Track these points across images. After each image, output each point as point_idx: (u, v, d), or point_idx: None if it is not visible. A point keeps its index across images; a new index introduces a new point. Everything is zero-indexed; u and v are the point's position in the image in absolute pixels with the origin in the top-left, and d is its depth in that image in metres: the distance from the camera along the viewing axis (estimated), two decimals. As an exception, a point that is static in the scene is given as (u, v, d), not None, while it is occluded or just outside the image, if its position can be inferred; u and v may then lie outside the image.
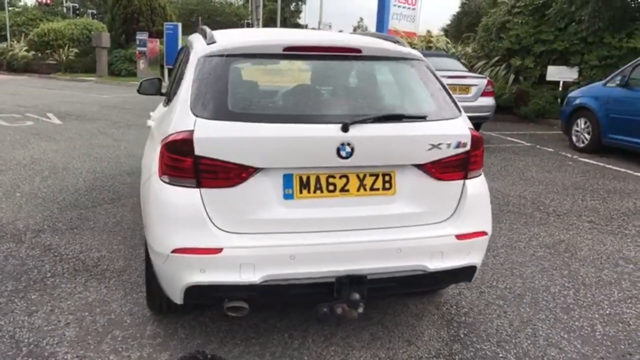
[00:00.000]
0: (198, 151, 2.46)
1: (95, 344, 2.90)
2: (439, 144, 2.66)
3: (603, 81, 8.85)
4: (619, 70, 8.59)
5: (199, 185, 2.49)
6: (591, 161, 8.30)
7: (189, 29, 22.89)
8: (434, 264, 2.68)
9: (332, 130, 2.52)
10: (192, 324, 3.14)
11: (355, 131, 2.52)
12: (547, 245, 4.61)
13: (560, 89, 12.83)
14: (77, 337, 2.96)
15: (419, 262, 2.65)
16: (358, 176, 2.62)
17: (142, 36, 22.23)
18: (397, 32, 20.32)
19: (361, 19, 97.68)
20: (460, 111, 2.85)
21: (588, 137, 8.88)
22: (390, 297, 3.42)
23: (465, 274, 2.84)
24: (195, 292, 2.52)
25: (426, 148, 2.65)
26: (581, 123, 9.02)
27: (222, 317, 3.19)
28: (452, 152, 2.70)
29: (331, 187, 2.60)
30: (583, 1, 11.64)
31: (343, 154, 2.52)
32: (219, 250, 2.46)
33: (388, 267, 2.61)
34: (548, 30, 13.04)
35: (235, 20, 54.14)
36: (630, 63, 8.35)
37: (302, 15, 66.68)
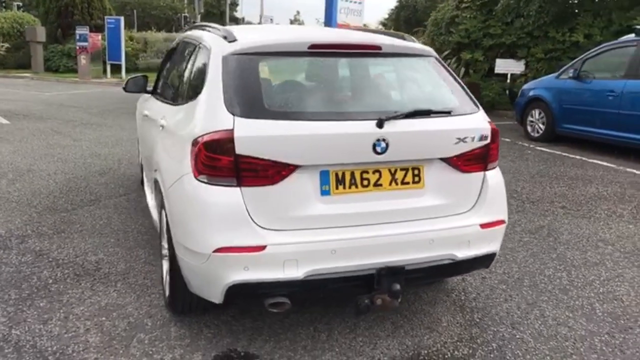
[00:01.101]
0: (239, 150, 2.46)
1: (123, 349, 2.84)
2: (465, 138, 2.78)
3: (556, 74, 9.31)
4: (571, 63, 9.07)
5: (239, 184, 2.50)
6: (548, 150, 8.73)
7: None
8: (462, 253, 2.80)
9: (368, 127, 2.58)
10: (216, 322, 3.13)
11: (389, 127, 2.59)
12: (531, 231, 4.85)
13: (508, 81, 13.37)
14: (102, 342, 2.89)
15: (449, 252, 2.76)
16: (390, 171, 2.70)
17: (82, 30, 21.32)
18: (341, 25, 20.50)
19: (298, 13, 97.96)
20: (477, 105, 2.97)
21: (542, 127, 9.33)
22: (419, 286, 3.52)
23: (486, 261, 2.98)
24: (238, 291, 2.53)
25: (453, 142, 2.76)
26: (536, 114, 9.46)
27: (244, 314, 3.21)
28: (476, 145, 2.83)
29: (365, 182, 2.66)
30: (529, -3, 12.16)
31: (378, 149, 2.59)
32: (263, 247, 2.48)
33: (422, 258, 2.71)
34: (496, 25, 13.55)
35: (170, 14, 52.86)
36: (581, 56, 8.84)
37: (238, 8, 65.98)
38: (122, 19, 22.31)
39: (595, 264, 4.17)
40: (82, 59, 21.42)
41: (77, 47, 21.55)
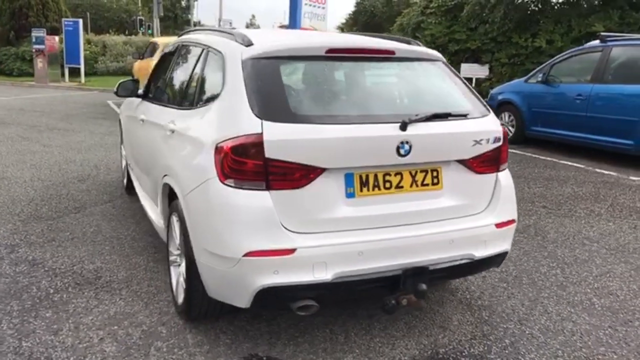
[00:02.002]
0: (268, 154, 2.46)
1: (142, 357, 2.79)
2: (481, 140, 2.86)
3: (524, 78, 9.62)
4: (539, 67, 9.39)
5: (268, 187, 2.50)
6: (519, 152, 9.00)
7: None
8: (480, 252, 2.87)
9: (392, 130, 2.62)
10: (231, 328, 3.10)
11: (412, 129, 2.64)
12: (519, 230, 5.00)
13: (473, 85, 13.72)
14: (120, 352, 2.83)
15: (468, 251, 2.83)
16: (410, 173, 2.75)
17: (38, 33, 20.68)
18: (306, 28, 20.58)
19: (253, 17, 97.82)
20: (488, 109, 3.06)
21: (512, 129, 9.61)
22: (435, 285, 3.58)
23: (499, 259, 3.06)
24: (267, 295, 2.52)
25: (470, 144, 2.84)
26: (505, 117, 9.74)
27: (258, 319, 3.20)
28: (490, 147, 2.91)
29: (387, 184, 2.70)
30: (494, 5, 12.52)
31: (402, 152, 2.63)
32: (292, 251, 2.49)
33: (443, 258, 2.76)
34: (461, 30, 13.91)
35: (125, 16, 51.83)
36: (549, 61, 9.16)
37: (193, 12, 65.27)
38: (80, 21, 21.79)
39: (585, 261, 4.33)
40: (39, 62, 20.79)
41: (34, 50, 20.90)
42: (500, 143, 2.97)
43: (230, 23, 48.84)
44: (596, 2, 12.10)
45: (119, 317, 3.18)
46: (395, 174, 2.71)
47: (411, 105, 2.92)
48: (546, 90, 8.92)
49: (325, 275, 2.52)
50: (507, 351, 2.99)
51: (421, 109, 2.81)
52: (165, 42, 12.48)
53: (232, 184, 2.53)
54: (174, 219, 3.20)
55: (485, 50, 13.37)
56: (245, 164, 2.49)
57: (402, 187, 2.73)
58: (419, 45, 3.30)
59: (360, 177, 2.64)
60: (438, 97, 3.04)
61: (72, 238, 4.44)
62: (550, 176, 7.31)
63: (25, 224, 4.76)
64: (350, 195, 2.63)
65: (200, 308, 2.98)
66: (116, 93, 4.57)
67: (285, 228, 2.51)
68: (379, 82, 3.02)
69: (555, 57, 9.16)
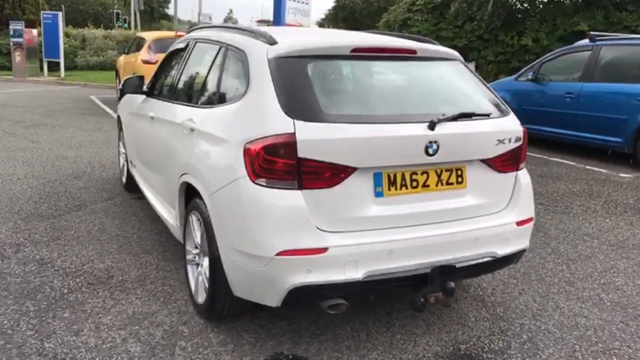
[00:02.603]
0: (301, 153, 2.46)
1: (168, 357, 2.77)
2: (504, 139, 2.90)
3: (514, 76, 9.74)
4: (529, 66, 9.52)
5: (300, 186, 2.50)
6: (509, 149, 9.11)
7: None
8: (502, 250, 2.92)
9: (421, 129, 2.65)
10: (253, 327, 3.10)
11: (439, 129, 2.67)
12: (521, 227, 5.07)
13: (460, 82, 13.85)
14: (145, 352, 2.81)
15: (491, 249, 2.87)
16: (436, 172, 2.77)
17: (16, 25, 20.24)
18: (292, 25, 20.53)
19: (231, 11, 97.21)
20: (507, 108, 3.11)
21: (502, 127, 9.71)
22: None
23: (518, 256, 3.11)
24: (298, 293, 2.53)
25: (494, 143, 2.88)
26: (495, 114, 9.85)
27: (278, 317, 3.20)
28: (512, 146, 2.96)
29: (414, 183, 2.73)
30: (481, 2, 12.65)
31: (430, 151, 2.66)
32: (325, 250, 2.50)
33: (469, 256, 2.80)
34: (447, 28, 14.03)
35: (100, 9, 51.05)
36: (539, 60, 9.30)
37: (170, 5, 64.59)
38: (60, 14, 21.38)
39: (589, 257, 4.42)
40: (17, 56, 20.37)
41: (12, 43, 20.45)
42: (521, 142, 3.01)
43: (210, 17, 48.43)
44: (580, 1, 12.29)
45: (138, 317, 3.15)
46: (422, 173, 2.74)
47: (435, 105, 2.95)
48: (536, 88, 9.05)
49: (356, 274, 2.54)
50: (526, 346, 3.04)
51: (446, 109, 2.84)
52: (155, 36, 12.35)
53: (264, 183, 2.53)
54: (193, 217, 3.18)
55: (471, 47, 13.52)
56: (277, 164, 2.49)
57: (428, 186, 2.76)
58: (435, 44, 3.33)
59: (389, 176, 2.66)
60: (460, 96, 3.07)
61: (77, 237, 4.38)
62: (543, 173, 7.43)
63: (26, 222, 4.68)
64: (378, 194, 2.65)
65: (224, 307, 2.98)
66: (122, 90, 4.51)
67: (317, 227, 2.52)
68: (402, 81, 3.03)
69: (545, 56, 9.29)
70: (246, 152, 2.58)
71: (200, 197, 3.02)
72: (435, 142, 2.65)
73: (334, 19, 50.97)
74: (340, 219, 2.57)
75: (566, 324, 3.32)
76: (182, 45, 4.13)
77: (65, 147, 7.99)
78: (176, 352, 2.82)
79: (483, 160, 2.90)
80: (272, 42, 2.86)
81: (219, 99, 3.12)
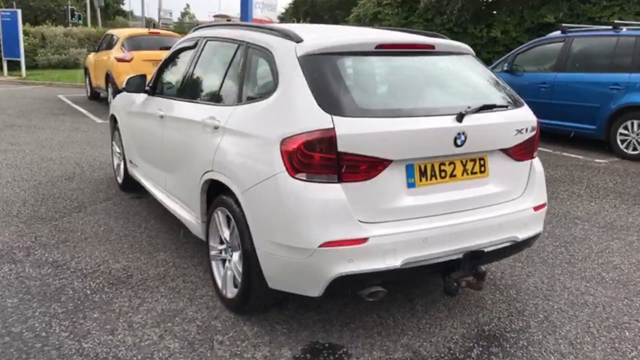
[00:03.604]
0: (340, 147, 2.55)
1: (209, 351, 2.83)
2: (522, 129, 3.06)
3: (489, 67, 9.99)
4: (504, 57, 9.80)
5: (340, 180, 2.59)
6: (488, 138, 9.38)
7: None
8: (522, 234, 3.08)
9: (450, 121, 2.77)
10: (283, 318, 3.18)
11: (467, 121, 2.80)
12: (515, 213, 5.29)
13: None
14: (184, 347, 2.86)
15: (513, 234, 3.03)
16: (462, 162, 2.90)
17: (-27, 24, 19.51)
18: (262, 20, 20.48)
19: (188, 6, 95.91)
20: (520, 99, 3.26)
21: (478, 117, 9.98)
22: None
23: (534, 240, 3.28)
24: (341, 283, 2.62)
25: (513, 133, 3.03)
26: (471, 105, 10.11)
27: (305, 308, 3.28)
28: (528, 135, 3.11)
29: (443, 174, 2.85)
30: (451, -4, 12.93)
31: (459, 142, 2.79)
32: (365, 240, 2.59)
33: (494, 241, 2.95)
34: (418, 22, 14.24)
35: (52, 6, 49.59)
36: (513, 51, 9.59)
37: (126, 1, 63.30)
38: (19, 11, 20.66)
39: (583, 239, 4.66)
40: (-25, 56, 19.62)
41: (-31, 43, 19.69)
42: (535, 132, 3.17)
43: (171, 13, 47.68)
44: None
45: (168, 314, 3.19)
46: (449, 164, 2.86)
47: (458, 98, 3.07)
48: (511, 79, 9.29)
49: (394, 261, 2.64)
50: (544, 325, 3.22)
51: (468, 101, 2.97)
52: (127, 34, 12.15)
53: (304, 178, 2.60)
54: (219, 214, 3.23)
55: (442, 40, 13.77)
56: (317, 158, 2.57)
57: (455, 175, 2.89)
58: (445, 39, 3.46)
59: (420, 167, 2.78)
60: (478, 88, 3.20)
61: (85, 238, 4.36)
62: (524, 161, 7.68)
63: (28, 225, 4.62)
64: (411, 185, 2.76)
65: (258, 300, 3.04)
66: (125, 89, 4.49)
67: (357, 218, 2.61)
68: (424, 75, 3.14)
69: (518, 48, 9.58)
70: (283, 148, 2.65)
71: (229, 194, 3.07)
72: (463, 133, 2.78)
73: (294, 13, 50.95)
74: (377, 210, 2.67)
75: (576, 302, 3.51)
76: (190, 44, 4.14)
77: (47, 148, 7.83)
78: (215, 347, 2.88)
79: (503, 150, 3.04)
80: (298, 39, 2.92)
81: (244, 96, 3.16)
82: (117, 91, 11.16)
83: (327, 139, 2.55)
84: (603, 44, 8.28)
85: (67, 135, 8.91)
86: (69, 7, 45.75)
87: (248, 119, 3.00)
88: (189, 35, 4.30)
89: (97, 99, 13.69)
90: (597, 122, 8.11)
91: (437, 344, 2.98)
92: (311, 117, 2.61)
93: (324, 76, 2.74)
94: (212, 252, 3.41)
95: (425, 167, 2.79)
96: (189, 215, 3.72)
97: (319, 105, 2.62)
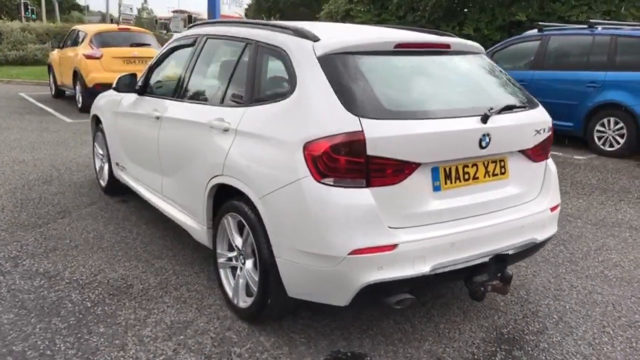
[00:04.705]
0: (370, 151, 2.46)
1: (229, 365, 2.70)
2: (540, 130, 3.03)
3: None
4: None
5: (368, 184, 2.50)
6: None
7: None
8: (541, 236, 3.06)
9: (475, 123, 2.71)
10: (299, 327, 3.07)
11: (491, 122, 2.75)
12: (508, 212, 5.30)
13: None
14: (202, 362, 2.72)
15: (533, 236, 3.00)
16: (484, 164, 2.85)
17: None
18: (231, 16, 20.18)
19: (145, 1, 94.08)
20: (535, 99, 3.24)
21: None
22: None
23: (548, 241, 3.26)
24: (370, 291, 2.53)
25: (532, 134, 3.00)
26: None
27: (318, 315, 3.18)
28: (545, 136, 3.09)
29: (466, 176, 2.80)
30: (425, -7, 12.98)
31: (483, 144, 2.73)
32: (395, 246, 2.51)
33: (516, 243, 2.91)
34: (390, 19, 14.25)
35: (4, 0, 47.77)
36: (490, 49, 9.65)
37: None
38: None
39: (579, 237, 4.70)
40: None
41: None
42: (550, 132, 3.15)
43: (131, 8, 46.52)
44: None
45: (178, 326, 3.04)
46: (472, 165, 2.81)
47: (478, 98, 3.02)
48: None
49: (424, 267, 2.57)
50: (560, 326, 3.21)
51: (488, 102, 2.93)
52: (96, 30, 11.73)
53: (331, 183, 2.50)
54: (230, 220, 3.10)
55: (414, 38, 13.82)
56: (345, 162, 2.47)
57: (477, 178, 2.83)
58: (453, 37, 3.40)
59: (445, 170, 2.71)
60: (496, 89, 3.16)
61: (75, 246, 4.14)
62: (507, 158, 7.75)
63: (10, 233, 4.36)
64: (437, 188, 2.69)
65: (275, 309, 2.93)
66: (116, 89, 4.29)
67: (386, 224, 2.52)
68: (443, 75, 3.07)
69: (495, 46, 9.67)
70: (307, 151, 2.54)
71: (241, 199, 2.94)
72: (488, 134, 2.73)
73: (257, 10, 50.54)
74: (405, 215, 2.59)
75: (586, 301, 3.52)
76: (186, 42, 3.96)
77: (17, 149, 7.47)
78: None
79: (521, 151, 3.00)
80: (315, 38, 2.82)
81: (256, 97, 3.03)
82: (87, 90, 10.80)
83: (356, 142, 2.45)
84: (579, 43, 8.43)
85: (37, 136, 8.53)
86: (22, 1, 44.13)
87: (263, 121, 2.87)
88: (184, 33, 4.13)
89: (63, 97, 13.21)
90: (575, 119, 8.25)
91: (459, 350, 2.93)
92: (337, 120, 2.51)
93: (347, 77, 2.64)
94: (220, 260, 3.27)
95: (450, 169, 2.73)
96: (191, 220, 3.57)
97: (345, 107, 2.52)
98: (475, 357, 2.87)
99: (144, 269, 3.77)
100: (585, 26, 8.51)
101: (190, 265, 3.85)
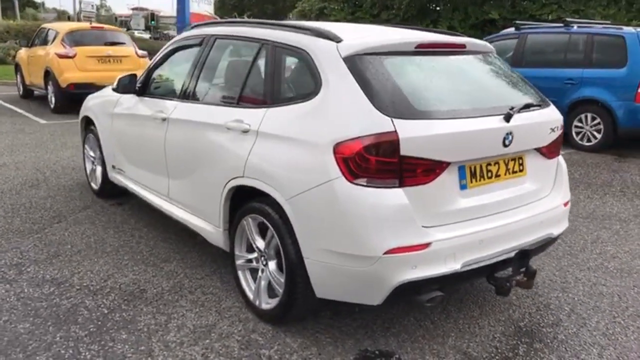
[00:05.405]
0: (403, 151, 2.48)
1: (261, 368, 2.70)
2: (554, 128, 3.11)
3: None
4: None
5: (401, 184, 2.53)
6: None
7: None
8: (556, 230, 3.14)
9: (498, 122, 2.77)
10: (322, 327, 3.08)
11: (513, 121, 2.81)
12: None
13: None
14: (233, 365, 2.70)
15: (550, 231, 3.08)
16: (504, 162, 2.92)
17: None
18: (202, 15, 19.94)
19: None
20: (546, 98, 3.32)
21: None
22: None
23: (560, 236, 3.35)
24: (403, 290, 2.56)
25: (548, 132, 3.08)
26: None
27: (338, 315, 3.20)
28: (558, 134, 3.18)
29: (489, 174, 2.85)
30: (399, -8, 13.11)
31: (507, 142, 2.80)
32: (428, 245, 2.55)
33: (537, 238, 2.99)
34: (364, 17, 14.33)
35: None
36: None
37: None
38: None
39: (574, 230, 4.83)
40: None
41: None
42: (562, 130, 3.24)
43: (93, 5, 45.40)
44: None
45: (202, 330, 3.01)
46: (494, 164, 2.87)
47: (498, 97, 3.08)
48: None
49: (455, 265, 2.62)
50: (573, 317, 3.30)
51: (507, 100, 2.99)
52: (68, 28, 11.41)
53: (364, 183, 2.51)
54: (250, 221, 3.08)
55: (388, 36, 13.95)
56: (378, 163, 2.49)
57: (499, 175, 2.90)
58: (463, 36, 3.46)
59: (470, 168, 2.76)
60: (512, 87, 3.22)
61: (78, 251, 4.04)
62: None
63: (7, 240, 4.23)
64: (463, 187, 2.74)
65: (301, 310, 2.93)
66: (116, 89, 4.20)
67: (419, 223, 2.56)
68: (462, 75, 3.11)
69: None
70: (338, 152, 2.55)
71: (263, 201, 2.94)
72: (511, 133, 2.79)
73: (222, 7, 50.07)
74: (435, 214, 2.63)
75: (592, 293, 3.63)
76: (191, 42, 3.91)
77: (-3, 153, 7.24)
78: (265, 362, 2.75)
79: (537, 149, 3.08)
80: (338, 39, 2.82)
81: (276, 98, 3.02)
82: (60, 90, 10.51)
83: (390, 143, 2.47)
84: (556, 41, 8.66)
85: (13, 138, 8.27)
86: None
87: (287, 122, 2.86)
88: (187, 33, 4.06)
89: (32, 98, 12.83)
90: (552, 115, 8.46)
91: (482, 344, 2.99)
92: (369, 120, 2.52)
93: (374, 77, 2.66)
94: (239, 262, 3.25)
95: (475, 167, 2.78)
96: (204, 223, 3.53)
97: (375, 107, 2.54)
98: (499, 350, 2.94)
99: (154, 273, 3.71)
100: (562, 25, 8.73)
101: (201, 267, 3.81)
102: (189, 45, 3.96)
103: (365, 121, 2.53)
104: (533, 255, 3.23)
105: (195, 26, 4.07)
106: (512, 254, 2.85)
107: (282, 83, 3.07)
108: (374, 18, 14.17)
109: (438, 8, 13.82)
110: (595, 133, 8.13)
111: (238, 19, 3.87)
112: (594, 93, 8.03)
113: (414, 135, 2.51)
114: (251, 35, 3.35)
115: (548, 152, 3.15)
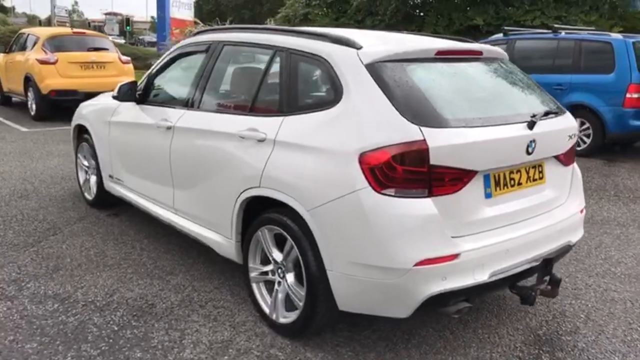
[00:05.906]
0: (433, 160, 2.44)
1: (285, 385, 2.61)
2: (572, 135, 3.10)
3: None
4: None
5: (430, 194, 2.48)
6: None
7: None
8: (574, 238, 3.13)
9: (522, 129, 2.74)
10: (341, 340, 3.01)
11: (536, 128, 2.79)
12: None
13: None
14: (256, 383, 2.62)
15: (569, 238, 3.07)
16: (525, 169, 2.89)
17: None
18: (181, 21, 19.77)
19: (76, 2, 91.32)
20: (561, 105, 3.31)
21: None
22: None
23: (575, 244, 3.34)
24: (432, 302, 2.51)
25: (566, 139, 3.06)
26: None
27: (356, 327, 3.14)
28: (574, 141, 3.17)
29: (512, 182, 2.82)
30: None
31: (530, 150, 2.77)
32: (457, 255, 2.50)
33: (557, 246, 2.96)
34: (349, 23, 14.33)
35: None
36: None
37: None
38: None
39: (576, 236, 4.85)
40: None
41: None
42: (577, 137, 3.24)
43: (66, 10, 44.69)
44: (471, -3, 13.26)
45: (219, 346, 2.91)
46: (517, 172, 2.84)
47: (518, 104, 3.05)
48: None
49: (483, 275, 2.57)
50: (589, 325, 3.29)
51: (528, 107, 2.97)
52: (49, 34, 11.15)
53: (392, 193, 2.46)
54: (266, 232, 3.00)
55: (373, 41, 13.97)
56: (408, 172, 2.44)
57: (521, 183, 2.87)
58: (471, 42, 3.44)
59: (495, 176, 2.72)
60: (530, 94, 3.19)
61: (78, 265, 3.90)
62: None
63: (2, 254, 4.07)
64: (488, 195, 2.70)
65: (321, 323, 2.86)
66: (117, 97, 4.08)
67: (449, 234, 2.51)
68: (481, 82, 3.08)
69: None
70: (364, 162, 2.49)
71: (282, 212, 2.86)
72: (534, 140, 2.76)
73: (198, 13, 49.71)
74: (463, 223, 2.58)
75: (605, 299, 3.63)
76: (197, 49, 3.80)
77: (-23, 162, 7.00)
78: (289, 378, 2.66)
79: (555, 156, 3.06)
80: (358, 46, 2.77)
81: (293, 106, 2.95)
82: (41, 97, 10.25)
83: (419, 152, 2.42)
84: (545, 47, 8.75)
85: (-6, 147, 8.03)
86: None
87: (307, 131, 2.79)
88: (192, 40, 3.95)
89: (9, 105, 12.52)
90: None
91: (505, 354, 2.95)
92: (397, 129, 2.47)
93: (399, 85, 2.61)
94: (253, 274, 3.16)
95: (499, 176, 2.75)
96: (214, 234, 3.43)
97: (402, 115, 2.49)
98: (522, 361, 2.90)
99: (161, 287, 3.59)
100: (550, 31, 8.83)
101: (209, 279, 3.70)
102: (193, 52, 3.87)
103: (392, 130, 2.48)
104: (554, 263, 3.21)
105: (199, 33, 3.97)
106: (535, 263, 2.82)
107: (298, 91, 3.00)
108: (359, 24, 14.17)
109: (422, 14, 13.90)
110: (584, 138, 8.23)
111: (246, 25, 3.77)
112: (582, 98, 8.13)
113: (443, 144, 2.46)
114: (264, 42, 3.27)
115: (565, 159, 3.13)
